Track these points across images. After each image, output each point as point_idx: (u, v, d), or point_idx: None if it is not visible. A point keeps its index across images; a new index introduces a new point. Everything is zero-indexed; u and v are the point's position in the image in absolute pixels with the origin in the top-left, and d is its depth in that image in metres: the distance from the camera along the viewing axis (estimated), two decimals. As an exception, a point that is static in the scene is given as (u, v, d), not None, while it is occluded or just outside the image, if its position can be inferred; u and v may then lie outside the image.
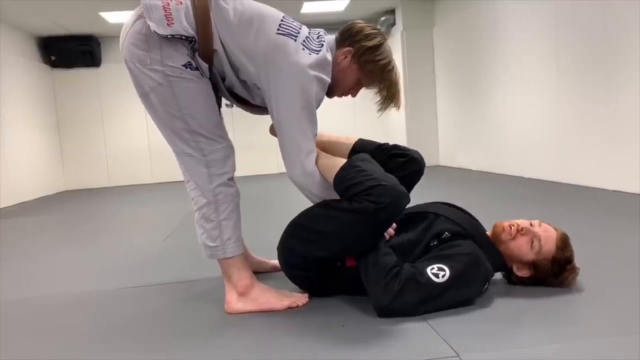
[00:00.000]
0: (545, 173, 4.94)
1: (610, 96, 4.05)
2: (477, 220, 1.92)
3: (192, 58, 1.74)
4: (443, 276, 1.61)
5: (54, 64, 7.97)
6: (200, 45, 1.72)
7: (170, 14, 1.68)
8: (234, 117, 8.21)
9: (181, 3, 1.70)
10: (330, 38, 1.88)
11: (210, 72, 1.78)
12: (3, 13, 6.36)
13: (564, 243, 1.78)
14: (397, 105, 1.89)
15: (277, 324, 1.68)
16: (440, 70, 7.72)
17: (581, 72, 4.40)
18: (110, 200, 6.37)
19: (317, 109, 1.79)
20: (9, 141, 6.56)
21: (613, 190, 4.03)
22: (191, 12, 1.70)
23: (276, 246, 1.91)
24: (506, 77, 5.69)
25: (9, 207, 6.20)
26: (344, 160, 1.76)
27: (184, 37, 1.69)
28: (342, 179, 1.70)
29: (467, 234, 1.78)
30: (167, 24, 1.67)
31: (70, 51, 7.87)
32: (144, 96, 1.79)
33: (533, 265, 1.79)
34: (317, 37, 1.83)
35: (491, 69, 6.04)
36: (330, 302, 1.81)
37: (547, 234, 1.78)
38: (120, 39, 1.81)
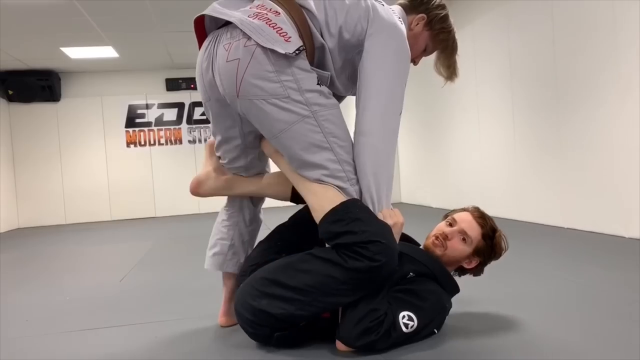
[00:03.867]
0: (503, 210, 5.06)
1: (562, 137, 4.22)
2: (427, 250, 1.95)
3: (314, 71, 1.67)
4: (412, 327, 1.63)
5: (11, 98, 7.80)
6: (306, 49, 1.64)
7: (281, 28, 1.60)
8: (196, 154, 8.17)
9: (278, 13, 1.64)
10: (397, 7, 1.87)
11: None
12: (-41, 46, 6.23)
13: (482, 218, 1.91)
14: (455, 79, 1.94)
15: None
16: (401, 109, 7.90)
17: (535, 115, 4.58)
18: (66, 239, 6.17)
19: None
20: (-40, 177, 6.32)
21: (567, 228, 4.15)
22: (290, 18, 1.65)
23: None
24: (464, 118, 5.87)
25: (-43, 245, 5.94)
26: (339, 196, 1.68)
27: (302, 48, 1.60)
28: (338, 217, 1.60)
29: (430, 272, 1.81)
30: (286, 40, 1.58)
31: (29, 85, 7.72)
32: (277, 136, 1.66)
33: (475, 253, 1.89)
34: (383, 6, 1.79)
35: (449, 109, 6.22)
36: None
37: (467, 223, 1.89)
38: (226, 76, 1.64)
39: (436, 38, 1.89)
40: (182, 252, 4.44)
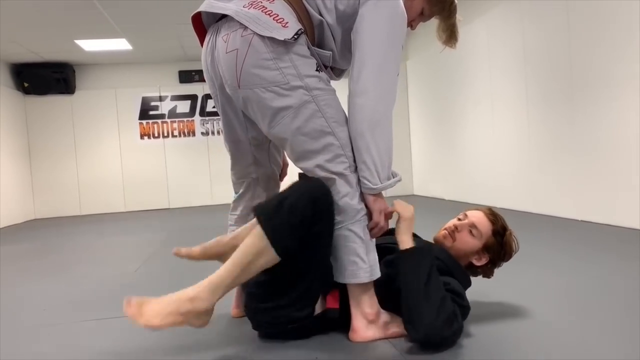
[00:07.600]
0: (516, 203, 5.03)
1: (576, 130, 4.18)
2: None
3: (313, 55, 1.66)
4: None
5: (27, 91, 7.88)
6: (306, 31, 1.64)
7: (278, 15, 1.59)
8: (209, 146, 8.20)
9: (273, 1, 1.64)
10: None
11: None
12: (-24, 39, 6.30)
13: (493, 215, 1.94)
14: (455, 44, 1.88)
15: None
16: (413, 102, 7.87)
17: (549, 108, 4.54)
18: (81, 230, 6.25)
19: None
20: (-22, 168, 6.41)
21: (581, 221, 4.12)
22: (286, 2, 1.64)
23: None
24: (477, 110, 5.83)
25: (-25, 236, 6.03)
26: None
27: (301, 32, 1.60)
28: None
29: (444, 266, 1.81)
30: (283, 26, 1.57)
31: (44, 78, 7.80)
32: (279, 124, 1.63)
33: (485, 249, 1.89)
34: None
35: (463, 102, 6.18)
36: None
37: (477, 218, 1.91)
38: (227, 68, 1.64)
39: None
40: (196, 244, 4.43)
